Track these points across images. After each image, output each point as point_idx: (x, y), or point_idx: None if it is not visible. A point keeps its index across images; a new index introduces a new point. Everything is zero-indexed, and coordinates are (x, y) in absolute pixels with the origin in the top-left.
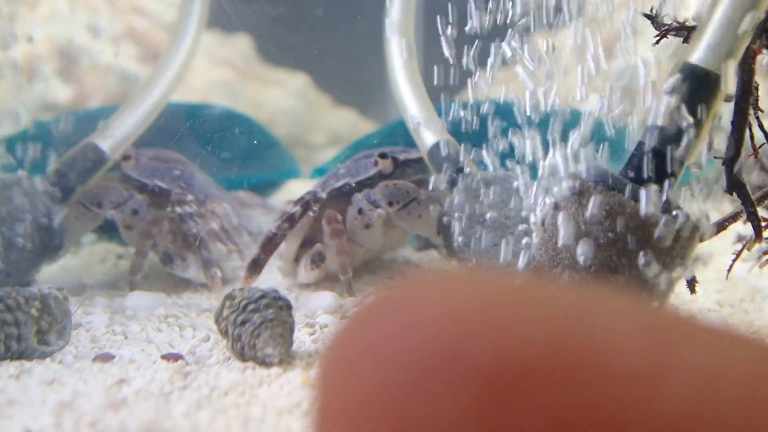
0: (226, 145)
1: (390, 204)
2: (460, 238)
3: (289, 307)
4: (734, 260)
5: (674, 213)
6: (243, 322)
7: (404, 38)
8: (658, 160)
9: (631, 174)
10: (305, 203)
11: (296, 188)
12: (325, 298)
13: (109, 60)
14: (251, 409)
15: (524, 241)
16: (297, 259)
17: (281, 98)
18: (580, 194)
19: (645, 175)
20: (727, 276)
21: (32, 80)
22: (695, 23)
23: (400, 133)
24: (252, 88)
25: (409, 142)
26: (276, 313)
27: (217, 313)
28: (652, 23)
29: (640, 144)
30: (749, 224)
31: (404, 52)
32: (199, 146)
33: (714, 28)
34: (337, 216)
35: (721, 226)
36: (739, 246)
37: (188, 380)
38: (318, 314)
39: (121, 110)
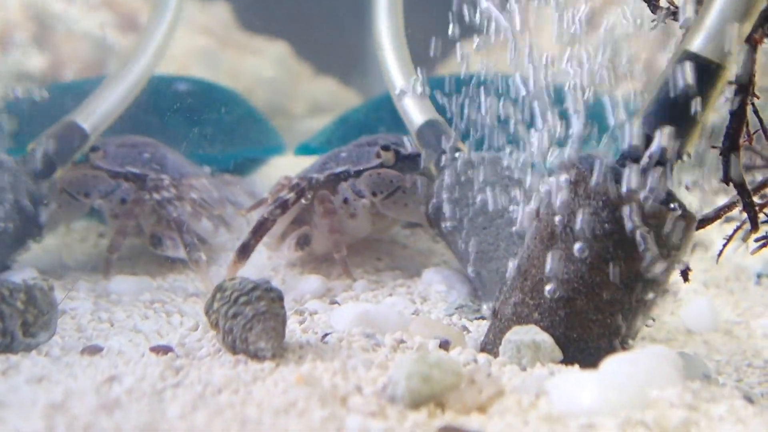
0: (209, 120)
1: (374, 194)
2: (449, 222)
3: (280, 298)
4: (725, 245)
5: (672, 204)
6: (235, 315)
7: (393, 17)
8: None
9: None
10: (300, 190)
11: (281, 164)
12: (313, 282)
13: (85, 27)
14: (247, 408)
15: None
16: (284, 236)
17: (261, 67)
18: (575, 184)
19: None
20: (717, 260)
21: (6, 48)
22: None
23: (385, 108)
24: (231, 56)
25: (395, 117)
26: (268, 306)
27: (208, 305)
28: (649, 6)
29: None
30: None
31: (393, 31)
32: (181, 122)
33: (714, 16)
34: (330, 197)
35: (717, 215)
36: (725, 226)
37: (180, 376)
38: (306, 299)
39: (101, 87)
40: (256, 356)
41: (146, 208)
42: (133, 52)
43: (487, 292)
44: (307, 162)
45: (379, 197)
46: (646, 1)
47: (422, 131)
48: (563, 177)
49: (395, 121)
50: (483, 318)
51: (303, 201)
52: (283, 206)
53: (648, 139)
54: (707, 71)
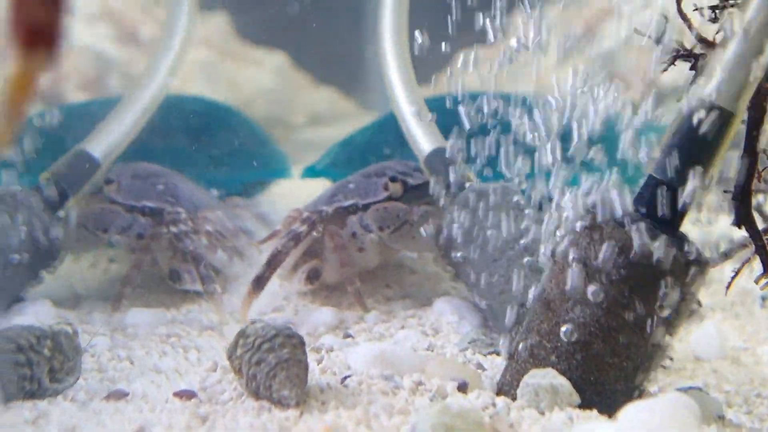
0: (214, 142)
1: (381, 229)
2: (459, 254)
3: (302, 343)
4: (733, 278)
5: (686, 250)
6: (258, 362)
7: (398, 38)
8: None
9: (642, 209)
10: (311, 223)
11: (287, 186)
12: (326, 314)
13: (85, 41)
14: None
15: (526, 260)
16: (296, 267)
17: (260, 77)
18: (591, 229)
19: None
20: (726, 292)
21: (3, 63)
22: (703, 51)
23: (390, 129)
24: (230, 67)
25: (400, 138)
26: (291, 352)
27: (230, 351)
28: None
29: (651, 178)
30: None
31: (398, 53)
32: (186, 144)
33: (726, 64)
34: (339, 232)
35: (726, 255)
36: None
37: (207, 426)
38: (320, 332)
39: (113, 113)
40: (279, 403)
41: (163, 243)
42: (144, 74)
43: (498, 323)
44: (312, 185)
45: (386, 231)
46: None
47: (431, 159)
48: (579, 221)
49: (400, 143)
50: (496, 353)
51: (314, 234)
52: (296, 239)
53: (660, 185)
54: (719, 119)
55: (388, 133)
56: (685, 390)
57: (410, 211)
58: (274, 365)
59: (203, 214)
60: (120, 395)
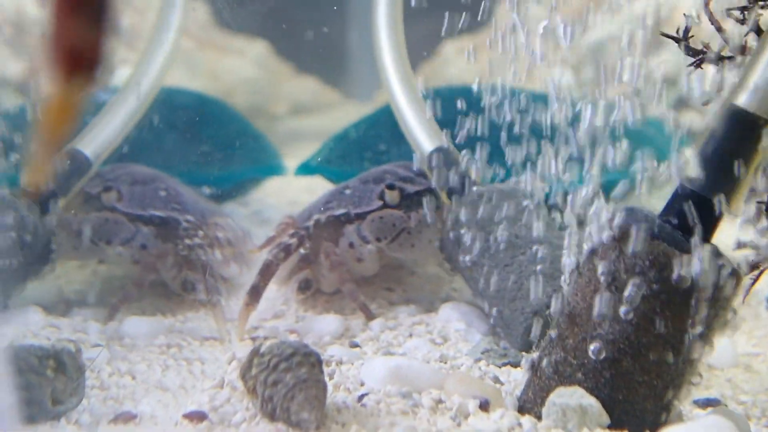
0: (205, 138)
1: (378, 239)
2: (467, 258)
3: (320, 362)
4: (752, 284)
5: (720, 263)
6: (275, 383)
7: (395, 35)
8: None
9: (674, 220)
10: (300, 238)
11: (281, 183)
12: (330, 321)
13: None
14: None
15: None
16: (290, 274)
17: (240, 67)
18: (621, 240)
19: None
20: (743, 300)
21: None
22: (732, 54)
23: (385, 124)
24: (210, 57)
25: (395, 133)
26: (309, 372)
27: (244, 370)
28: (680, 46)
29: (681, 187)
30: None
31: (395, 51)
32: (176, 140)
33: (761, 70)
34: (334, 249)
35: (755, 266)
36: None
37: None
38: (326, 341)
39: (105, 110)
40: (298, 426)
41: (168, 261)
42: (137, 68)
43: (509, 331)
44: (306, 181)
45: (383, 242)
46: (677, 41)
47: (432, 159)
48: (607, 232)
49: (395, 138)
50: (511, 364)
51: (302, 251)
52: (286, 250)
53: (691, 196)
54: (754, 127)
55: (383, 128)
56: (704, 403)
57: (407, 219)
58: (291, 386)
59: (213, 221)
60: (128, 418)
